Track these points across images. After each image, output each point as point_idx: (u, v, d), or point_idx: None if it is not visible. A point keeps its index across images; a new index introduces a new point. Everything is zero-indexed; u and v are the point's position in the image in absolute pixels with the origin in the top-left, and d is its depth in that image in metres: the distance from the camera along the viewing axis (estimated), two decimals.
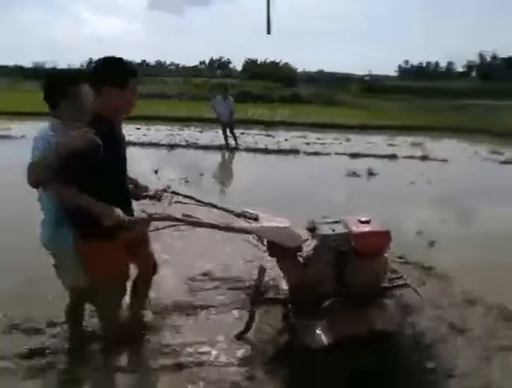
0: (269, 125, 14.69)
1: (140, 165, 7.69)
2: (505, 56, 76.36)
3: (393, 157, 9.40)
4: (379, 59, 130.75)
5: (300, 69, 51.71)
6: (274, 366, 2.28)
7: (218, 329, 2.66)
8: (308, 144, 11.04)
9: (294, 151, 9.75)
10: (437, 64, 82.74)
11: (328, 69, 68.30)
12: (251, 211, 2.45)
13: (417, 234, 4.50)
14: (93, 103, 1.99)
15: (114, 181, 2.05)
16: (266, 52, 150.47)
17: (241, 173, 8.21)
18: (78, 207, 1.90)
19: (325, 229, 2.35)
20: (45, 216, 2.17)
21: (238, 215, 2.45)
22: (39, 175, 1.84)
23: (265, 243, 2.35)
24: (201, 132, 12.73)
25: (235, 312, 2.89)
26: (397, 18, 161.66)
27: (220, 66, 68.93)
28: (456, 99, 25.93)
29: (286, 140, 11.48)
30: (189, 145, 10.24)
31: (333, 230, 2.33)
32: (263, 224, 2.32)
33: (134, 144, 10.04)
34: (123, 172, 2.17)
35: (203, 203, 2.52)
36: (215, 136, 11.33)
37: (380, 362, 2.08)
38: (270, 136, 12.41)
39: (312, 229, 2.47)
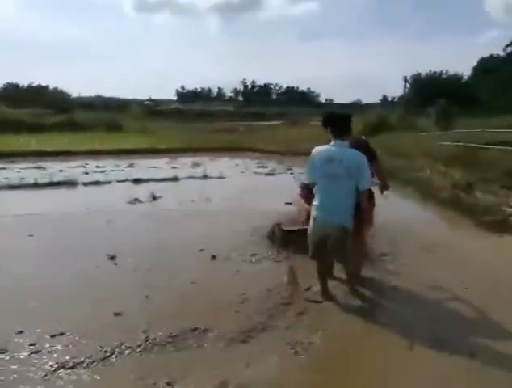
0: (40, 156, 13.07)
1: None
2: (261, 84, 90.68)
3: (175, 179, 9.70)
4: (158, 84, 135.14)
5: (74, 95, 48.28)
6: None
7: None
8: (87, 173, 10.30)
9: (70, 183, 8.88)
10: (209, 89, 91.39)
11: (106, 94, 66.07)
12: None
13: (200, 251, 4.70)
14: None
15: None
16: (29, 75, 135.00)
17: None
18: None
19: None
20: (338, 206, 3.30)
21: None
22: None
23: None
24: None
25: None
26: (167, 47, 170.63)
27: None
28: (227, 121, 29.14)
29: (61, 171, 10.38)
30: None
31: None
32: None
33: None
34: None
35: None
36: None
37: None
38: (40, 168, 11.02)
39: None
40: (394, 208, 6.98)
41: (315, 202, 3.41)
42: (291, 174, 10.45)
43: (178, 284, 3.82)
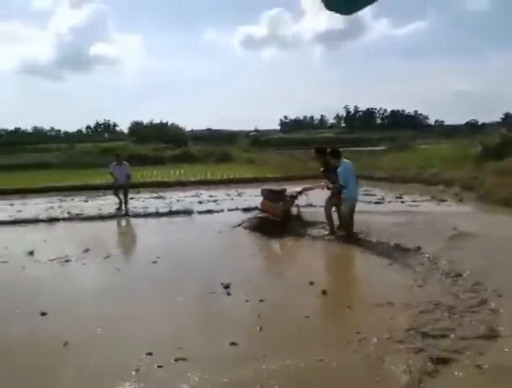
0: (160, 187, 14.48)
1: (11, 247, 6.80)
2: (364, 109, 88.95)
3: None
4: (263, 115, 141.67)
5: (188, 129, 52.79)
6: None
7: None
8: (201, 202, 11.05)
9: (187, 212, 9.61)
10: (312, 117, 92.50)
11: (215, 127, 71.09)
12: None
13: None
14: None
15: None
16: (151, 113, 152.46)
17: (130, 243, 7.74)
18: None
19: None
20: (356, 192, 6.63)
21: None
22: None
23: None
24: (86, 201, 11.95)
25: None
26: (272, 80, 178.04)
27: (105, 130, 67.20)
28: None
29: (178, 200, 11.33)
30: (72, 218, 9.38)
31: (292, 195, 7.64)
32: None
33: (4, 223, 8.95)
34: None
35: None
36: (102, 205, 10.71)
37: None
38: (161, 198, 12.16)
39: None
40: None
41: (347, 192, 6.24)
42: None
43: (291, 318, 3.81)
